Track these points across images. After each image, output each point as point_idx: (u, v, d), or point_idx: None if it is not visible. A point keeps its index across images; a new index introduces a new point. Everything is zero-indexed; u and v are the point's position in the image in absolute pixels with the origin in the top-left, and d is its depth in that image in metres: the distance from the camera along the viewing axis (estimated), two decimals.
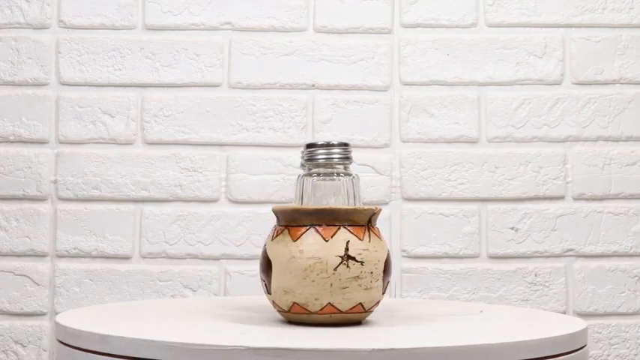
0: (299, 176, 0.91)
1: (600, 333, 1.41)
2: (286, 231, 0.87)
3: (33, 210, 1.41)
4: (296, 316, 0.87)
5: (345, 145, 0.90)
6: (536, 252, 1.42)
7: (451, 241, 1.42)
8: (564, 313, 1.40)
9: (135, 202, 1.42)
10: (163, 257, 1.41)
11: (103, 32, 1.45)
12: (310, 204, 0.90)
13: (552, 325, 0.91)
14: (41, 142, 1.43)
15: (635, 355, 1.41)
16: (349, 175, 0.90)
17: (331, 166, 0.90)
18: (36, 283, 1.40)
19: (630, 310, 1.41)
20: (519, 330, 0.89)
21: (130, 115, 1.43)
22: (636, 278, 1.42)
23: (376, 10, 1.45)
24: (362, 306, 0.86)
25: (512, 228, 1.42)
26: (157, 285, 1.41)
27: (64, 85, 1.44)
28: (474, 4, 1.45)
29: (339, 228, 0.86)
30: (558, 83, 1.44)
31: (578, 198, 1.43)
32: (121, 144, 1.43)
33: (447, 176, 1.43)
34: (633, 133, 1.44)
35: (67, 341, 0.83)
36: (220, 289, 1.41)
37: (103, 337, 0.78)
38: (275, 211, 0.89)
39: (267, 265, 0.87)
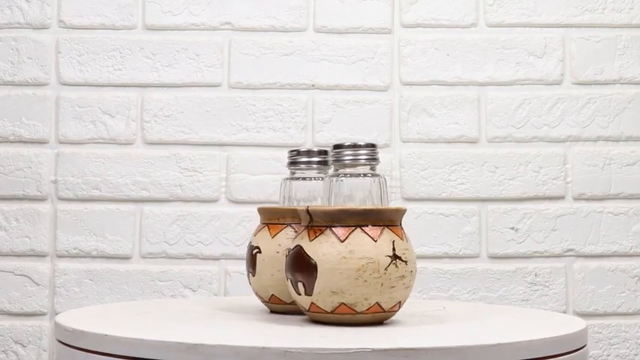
0: (326, 176, 0.92)
1: (600, 333, 1.41)
2: (329, 231, 0.86)
3: (33, 210, 1.41)
4: (338, 317, 0.86)
5: (373, 146, 0.91)
6: (536, 252, 1.42)
7: (451, 241, 1.42)
8: (564, 313, 1.40)
9: (135, 202, 1.42)
10: (163, 257, 1.41)
11: (103, 32, 1.45)
12: (340, 205, 0.90)
13: (552, 325, 0.91)
14: (41, 142, 1.43)
15: (635, 355, 1.41)
16: (377, 175, 0.91)
17: (354, 166, 0.91)
18: (36, 283, 1.41)
19: (630, 310, 1.41)
20: (519, 330, 0.89)
21: (130, 115, 1.43)
22: (636, 278, 1.42)
23: (376, 10, 1.45)
24: (399, 304, 0.87)
25: (512, 228, 1.42)
26: (156, 285, 1.41)
27: (64, 85, 1.44)
28: (473, 4, 1.45)
29: (383, 228, 0.86)
30: (558, 83, 1.45)
31: (578, 198, 1.43)
32: (121, 144, 1.43)
33: (447, 176, 1.43)
34: (633, 133, 1.44)
35: (67, 341, 0.83)
36: (220, 289, 1.41)
37: (103, 337, 0.78)
38: (313, 212, 0.87)
39: (305, 266, 0.86)
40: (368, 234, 0.85)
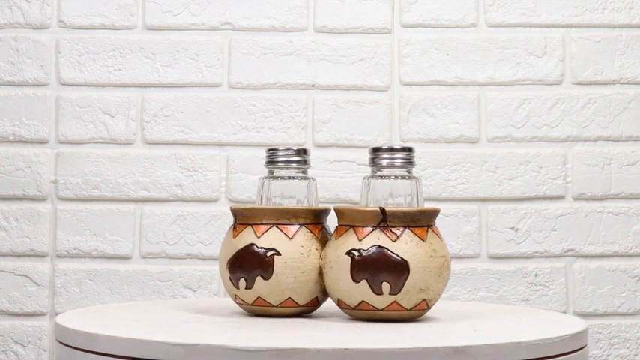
0: (364, 178, 0.96)
1: (600, 333, 1.41)
2: (409, 231, 0.90)
3: (33, 210, 1.41)
4: (414, 313, 0.91)
5: (410, 150, 0.95)
6: (536, 252, 1.42)
7: (451, 241, 1.42)
8: (564, 313, 1.40)
9: (135, 202, 1.42)
10: (163, 257, 1.41)
11: (103, 32, 1.45)
12: (414, 206, 0.94)
13: (552, 325, 0.91)
14: (41, 142, 1.43)
15: (635, 355, 1.41)
16: (414, 177, 0.95)
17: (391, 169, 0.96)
18: (36, 283, 1.41)
19: (630, 310, 1.41)
20: (519, 330, 0.89)
21: (130, 115, 1.43)
22: (636, 278, 1.42)
23: (376, 10, 1.45)
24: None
25: (512, 228, 1.42)
26: (156, 285, 1.41)
27: (64, 85, 1.44)
28: (473, 4, 1.45)
29: (428, 228, 0.92)
30: (558, 83, 1.45)
31: (578, 198, 1.43)
32: (121, 144, 1.43)
33: (447, 176, 1.43)
34: (633, 133, 1.44)
35: (67, 341, 0.83)
36: (220, 289, 1.41)
37: (103, 338, 0.78)
38: (394, 213, 0.90)
39: (392, 266, 0.88)
40: (436, 233, 0.92)
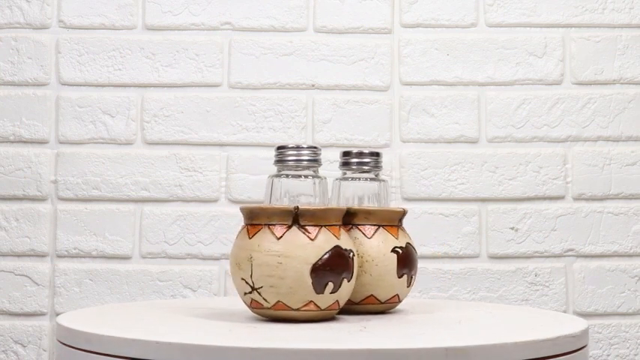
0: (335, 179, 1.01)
1: (600, 333, 1.41)
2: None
3: (33, 210, 1.41)
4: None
5: (377, 154, 1.00)
6: (536, 252, 1.42)
7: (451, 241, 1.42)
8: (564, 313, 1.40)
9: (135, 202, 1.42)
10: (163, 257, 1.41)
11: (103, 32, 1.45)
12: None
13: (552, 325, 0.91)
14: (41, 142, 1.43)
15: (635, 355, 1.41)
16: (382, 180, 1.01)
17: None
18: (36, 283, 1.41)
19: (630, 310, 1.41)
20: (519, 330, 0.89)
21: (130, 115, 1.43)
22: (636, 278, 1.42)
23: (376, 10, 1.45)
24: None
25: (512, 228, 1.42)
26: (156, 285, 1.41)
27: (64, 85, 1.44)
28: (473, 4, 1.45)
29: None
30: (558, 83, 1.45)
31: (578, 198, 1.43)
32: (121, 144, 1.43)
33: (447, 176, 1.43)
34: (633, 133, 1.44)
35: (67, 341, 0.83)
36: (220, 289, 1.41)
37: (104, 338, 0.78)
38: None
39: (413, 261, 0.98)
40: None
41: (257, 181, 1.42)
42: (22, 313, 1.40)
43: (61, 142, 1.43)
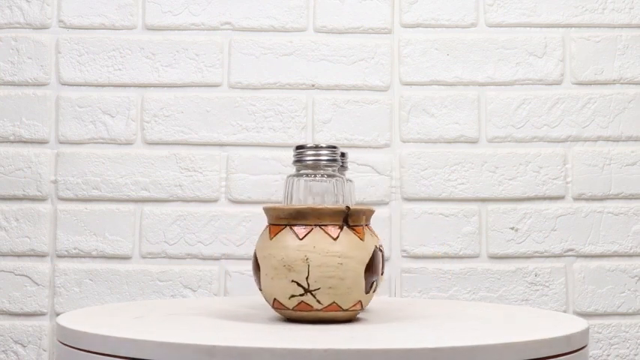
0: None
1: (600, 333, 1.41)
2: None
3: (33, 210, 1.41)
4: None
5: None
6: (536, 252, 1.42)
7: (451, 241, 1.42)
8: (564, 313, 1.40)
9: (135, 202, 1.42)
10: (163, 257, 1.41)
11: (103, 32, 1.45)
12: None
13: (553, 325, 0.91)
14: (41, 142, 1.43)
15: (635, 355, 1.41)
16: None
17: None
18: (36, 283, 1.40)
19: (630, 310, 1.41)
20: (519, 330, 0.89)
21: (130, 115, 1.43)
22: (636, 278, 1.42)
23: (376, 10, 1.45)
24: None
25: (512, 228, 1.42)
26: (156, 285, 1.41)
27: (64, 85, 1.44)
28: (473, 4, 1.45)
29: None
30: (558, 83, 1.44)
31: (578, 198, 1.43)
32: (121, 144, 1.43)
33: (447, 176, 1.43)
34: (633, 133, 1.44)
35: (67, 341, 0.83)
36: (220, 289, 1.41)
37: (104, 338, 0.78)
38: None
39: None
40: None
41: (257, 181, 1.42)
42: (22, 313, 1.40)
43: (61, 142, 1.43)
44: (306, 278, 0.85)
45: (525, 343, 0.77)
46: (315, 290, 0.85)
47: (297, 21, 1.45)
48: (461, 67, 1.45)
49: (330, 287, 0.85)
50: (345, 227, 0.87)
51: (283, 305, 0.87)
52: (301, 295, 0.85)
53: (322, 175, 0.93)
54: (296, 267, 0.85)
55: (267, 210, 0.90)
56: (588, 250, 1.42)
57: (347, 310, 0.87)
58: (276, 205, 0.91)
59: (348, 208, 0.87)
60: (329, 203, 0.91)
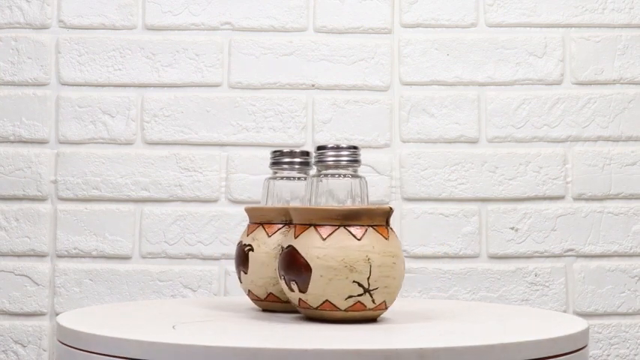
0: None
1: (600, 333, 1.41)
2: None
3: (33, 210, 1.41)
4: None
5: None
6: (536, 252, 1.42)
7: (451, 241, 1.42)
8: (564, 313, 1.40)
9: (135, 202, 1.42)
10: (163, 257, 1.41)
11: (103, 32, 1.45)
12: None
13: (553, 325, 0.91)
14: (41, 142, 1.43)
15: (635, 355, 1.41)
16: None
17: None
18: (36, 283, 1.41)
19: (630, 310, 1.41)
20: (519, 330, 0.89)
21: (130, 115, 1.43)
22: (636, 278, 1.42)
23: (376, 10, 1.45)
24: None
25: (512, 228, 1.42)
26: (156, 285, 1.41)
27: (64, 85, 1.44)
28: (473, 4, 1.45)
29: None
30: (558, 83, 1.45)
31: (578, 198, 1.43)
32: (121, 144, 1.43)
33: (447, 176, 1.43)
34: (633, 133, 1.44)
35: (67, 341, 0.83)
36: (220, 289, 1.41)
37: (104, 338, 0.78)
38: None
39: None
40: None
41: (257, 181, 1.42)
42: (22, 313, 1.40)
43: (61, 142, 1.43)
44: (367, 278, 0.85)
45: (525, 343, 0.77)
46: (373, 290, 0.85)
47: (297, 21, 1.45)
48: (461, 67, 1.45)
49: (386, 287, 0.86)
50: (389, 227, 0.89)
51: (335, 306, 0.85)
52: (359, 295, 0.85)
53: (345, 176, 0.92)
54: (359, 267, 0.84)
55: (315, 211, 0.88)
56: (588, 250, 1.42)
57: (387, 308, 0.89)
58: (328, 206, 0.89)
59: (391, 208, 0.89)
60: (357, 204, 0.91)
